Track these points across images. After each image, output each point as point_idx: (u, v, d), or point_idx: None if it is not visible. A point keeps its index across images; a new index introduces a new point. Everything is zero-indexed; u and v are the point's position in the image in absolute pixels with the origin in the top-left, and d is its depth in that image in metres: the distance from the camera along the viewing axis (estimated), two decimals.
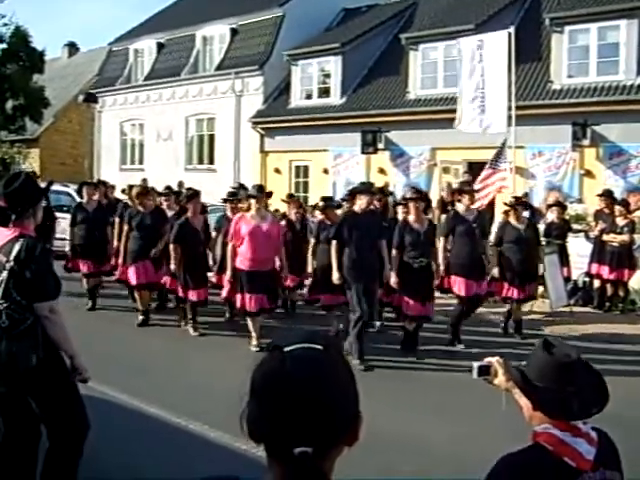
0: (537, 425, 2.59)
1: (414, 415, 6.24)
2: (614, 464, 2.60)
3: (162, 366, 7.88)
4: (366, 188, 8.75)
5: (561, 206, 12.49)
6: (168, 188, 12.71)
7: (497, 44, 13.22)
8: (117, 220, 10.86)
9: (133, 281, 10.08)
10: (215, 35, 24.78)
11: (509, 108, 13.08)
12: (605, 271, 11.58)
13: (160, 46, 26.47)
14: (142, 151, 27.06)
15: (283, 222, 10.49)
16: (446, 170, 18.44)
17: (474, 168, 15.61)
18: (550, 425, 2.54)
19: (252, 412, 1.35)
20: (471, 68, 13.55)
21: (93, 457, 4.17)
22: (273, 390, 1.33)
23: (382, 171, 19.63)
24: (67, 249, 11.60)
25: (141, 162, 26.87)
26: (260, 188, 9.12)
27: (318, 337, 1.41)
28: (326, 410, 1.31)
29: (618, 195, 13.44)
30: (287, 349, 1.35)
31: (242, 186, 12.51)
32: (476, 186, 12.32)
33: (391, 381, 7.49)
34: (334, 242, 8.20)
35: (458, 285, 8.97)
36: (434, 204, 12.61)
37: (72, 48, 38.51)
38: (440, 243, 9.11)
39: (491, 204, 12.84)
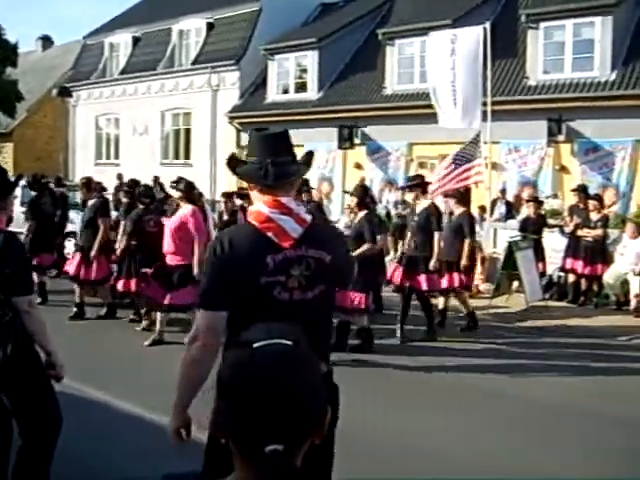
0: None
1: (391, 411, 6.25)
2: (321, 245, 2.70)
3: (143, 365, 7.81)
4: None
5: (537, 201, 12.58)
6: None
7: (470, 39, 13.21)
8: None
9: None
10: (191, 29, 24.61)
11: (484, 104, 13.10)
12: (579, 266, 11.69)
13: (136, 40, 26.22)
14: (117, 146, 26.83)
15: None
16: (423, 165, 18.48)
17: None
18: (261, 204, 2.68)
19: (220, 408, 1.33)
20: (443, 63, 13.51)
21: (71, 456, 4.12)
22: (242, 386, 1.30)
23: (359, 166, 19.66)
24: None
25: (117, 157, 26.64)
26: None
27: (288, 332, 1.39)
28: (296, 406, 1.29)
29: (593, 190, 13.56)
30: (256, 345, 1.33)
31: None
32: (434, 178, 12.11)
33: (367, 378, 7.48)
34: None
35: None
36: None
37: (46, 42, 38.08)
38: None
39: (466, 199, 12.61)
